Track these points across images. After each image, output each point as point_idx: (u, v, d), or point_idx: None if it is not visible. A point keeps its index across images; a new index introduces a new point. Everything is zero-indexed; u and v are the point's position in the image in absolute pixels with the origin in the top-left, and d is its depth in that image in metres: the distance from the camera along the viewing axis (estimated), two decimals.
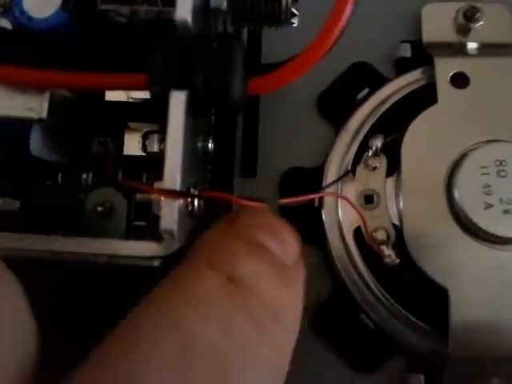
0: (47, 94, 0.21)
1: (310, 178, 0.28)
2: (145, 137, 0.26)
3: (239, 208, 0.26)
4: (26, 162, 0.25)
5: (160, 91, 0.21)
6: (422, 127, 0.25)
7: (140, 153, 0.25)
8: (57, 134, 0.23)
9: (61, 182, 0.26)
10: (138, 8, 0.22)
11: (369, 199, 0.26)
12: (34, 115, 0.21)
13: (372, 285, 0.25)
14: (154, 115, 0.25)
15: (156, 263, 0.19)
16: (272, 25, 0.24)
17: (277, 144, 0.29)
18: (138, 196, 0.26)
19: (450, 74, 0.26)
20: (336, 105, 0.29)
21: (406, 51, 0.29)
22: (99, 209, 0.25)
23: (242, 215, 0.20)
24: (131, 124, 0.26)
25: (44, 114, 0.21)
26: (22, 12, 0.23)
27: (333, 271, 0.26)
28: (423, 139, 0.25)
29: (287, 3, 0.23)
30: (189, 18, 0.20)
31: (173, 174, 0.19)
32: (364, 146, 0.27)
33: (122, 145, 0.25)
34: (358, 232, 0.26)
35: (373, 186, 0.26)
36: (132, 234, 0.26)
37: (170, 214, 0.19)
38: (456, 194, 0.24)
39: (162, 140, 0.25)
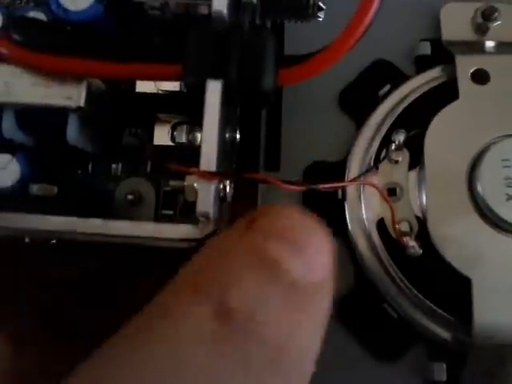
0: (85, 84, 0.22)
1: (333, 172, 0.28)
2: (174, 128, 0.26)
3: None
4: (60, 151, 0.25)
5: (194, 81, 0.21)
6: (444, 122, 0.26)
7: (169, 143, 0.26)
8: (91, 123, 0.24)
9: (91, 172, 0.27)
10: (173, 1, 0.23)
11: (392, 192, 0.26)
12: (71, 104, 0.22)
13: (395, 275, 0.26)
14: (182, 107, 0.26)
15: (193, 245, 0.20)
16: (299, 18, 0.25)
17: (300, 138, 0.29)
18: (166, 186, 0.27)
19: (471, 71, 0.27)
20: (358, 101, 0.29)
21: (426, 49, 0.29)
22: (129, 197, 0.26)
23: (262, 217, 0.15)
24: (161, 115, 0.26)
25: (82, 103, 0.22)
26: (59, 5, 0.23)
27: (356, 262, 0.27)
28: (445, 133, 0.26)
29: None
30: (224, 10, 0.20)
31: (209, 159, 0.19)
32: (386, 141, 0.27)
33: (152, 135, 0.26)
34: (380, 224, 0.26)
35: (396, 179, 0.26)
36: (161, 222, 0.27)
37: (206, 197, 0.19)
38: (478, 187, 0.24)
39: (191, 131, 0.26)
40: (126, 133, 0.27)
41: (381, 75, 0.29)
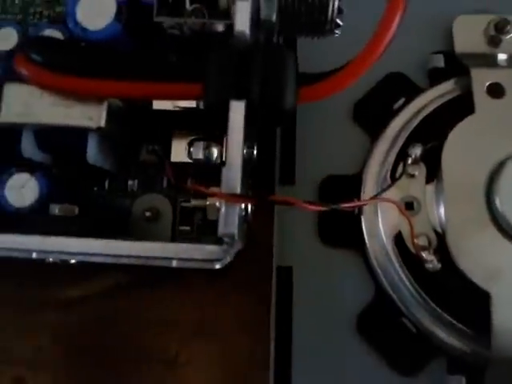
0: (105, 104, 0.22)
1: (348, 185, 0.28)
2: (190, 144, 0.26)
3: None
4: (77, 170, 0.25)
5: (216, 101, 0.21)
6: (461, 136, 0.26)
7: (187, 160, 0.26)
8: (110, 142, 0.24)
9: (108, 188, 0.27)
10: (189, 20, 0.23)
11: (409, 206, 0.26)
12: (92, 124, 0.22)
13: (413, 290, 0.26)
14: (199, 123, 0.26)
15: (218, 266, 0.20)
16: (316, 35, 0.25)
17: (314, 152, 0.30)
18: (183, 202, 0.27)
19: (487, 85, 0.27)
20: (372, 114, 0.29)
21: (440, 62, 0.30)
22: (147, 214, 0.26)
23: None
24: (177, 132, 0.26)
25: (102, 123, 0.22)
26: (76, 23, 0.23)
27: (374, 277, 0.27)
28: (463, 147, 0.26)
29: (333, 14, 0.24)
30: (247, 30, 0.21)
31: (234, 179, 0.20)
32: (402, 154, 0.27)
33: (170, 152, 0.26)
34: (397, 238, 0.26)
35: (413, 193, 0.26)
36: (178, 238, 0.27)
37: (231, 218, 0.19)
38: (497, 201, 0.25)
39: (207, 147, 0.26)
40: (143, 150, 0.27)
41: (395, 88, 0.29)
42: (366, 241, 0.27)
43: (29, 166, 0.24)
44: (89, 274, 0.27)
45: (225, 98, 0.21)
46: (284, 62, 0.21)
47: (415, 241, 0.25)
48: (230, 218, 0.19)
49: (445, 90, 0.29)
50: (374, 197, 0.25)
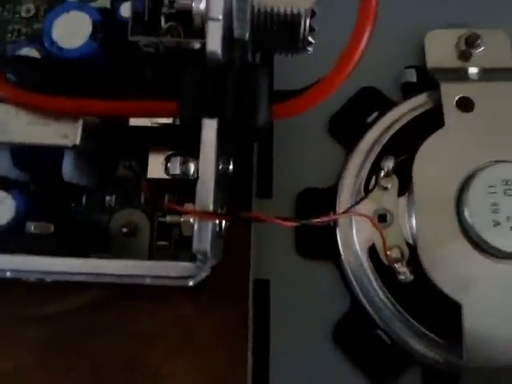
0: (80, 122, 0.22)
1: (324, 198, 0.29)
2: (167, 159, 0.27)
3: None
4: (53, 186, 0.26)
5: (190, 118, 0.22)
6: (431, 149, 0.27)
7: (163, 175, 0.26)
8: (86, 158, 0.24)
9: (85, 204, 0.27)
10: (164, 39, 0.23)
11: (382, 218, 0.27)
12: (68, 142, 0.22)
13: (387, 301, 0.26)
14: (175, 139, 0.26)
15: (191, 283, 0.20)
16: (288, 52, 0.26)
17: (291, 165, 0.30)
18: (160, 217, 0.27)
19: (456, 99, 0.28)
20: (347, 128, 0.30)
21: (412, 76, 0.30)
22: (124, 230, 0.26)
23: None
24: (154, 147, 0.27)
25: (78, 141, 0.22)
26: (52, 42, 0.24)
27: (348, 288, 0.27)
28: (433, 160, 0.26)
29: (305, 32, 0.24)
30: (219, 50, 0.21)
31: (206, 196, 0.20)
32: (375, 167, 0.28)
33: (146, 167, 0.26)
34: (371, 249, 0.27)
35: (386, 206, 0.27)
36: (155, 253, 0.27)
37: (204, 235, 0.20)
38: (466, 213, 0.25)
39: (184, 162, 0.26)
40: (120, 165, 0.27)
41: (368, 102, 0.30)
42: (341, 253, 0.27)
43: (4, 184, 0.24)
44: (65, 289, 0.27)
45: (199, 116, 0.21)
46: (257, 80, 0.22)
47: (388, 253, 0.26)
48: (202, 234, 0.20)
49: (417, 103, 0.29)
50: (347, 210, 0.25)
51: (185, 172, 0.26)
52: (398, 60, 0.32)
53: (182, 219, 0.22)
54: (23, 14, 0.28)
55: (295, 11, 0.24)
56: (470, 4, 0.32)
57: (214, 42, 0.21)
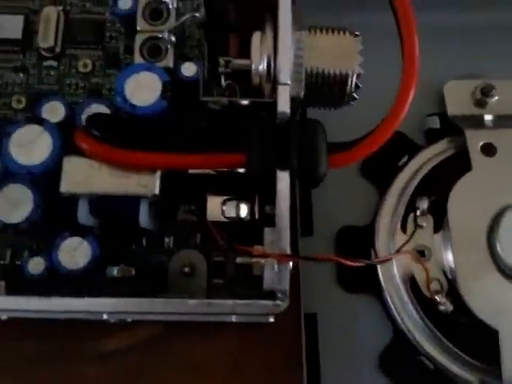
0: (158, 173, 0.25)
1: (362, 235, 0.31)
2: (224, 203, 0.29)
3: None
4: (122, 231, 0.28)
5: (259, 169, 0.24)
6: (462, 190, 0.29)
7: (221, 218, 0.29)
8: (157, 205, 0.26)
9: (145, 246, 0.29)
10: (235, 99, 0.25)
11: (421, 254, 0.30)
12: (147, 192, 0.24)
13: (427, 329, 0.29)
14: (232, 185, 0.29)
15: (271, 319, 0.22)
16: (334, 107, 0.29)
17: (329, 205, 0.33)
18: (216, 256, 0.29)
19: (480, 144, 0.31)
20: (379, 170, 0.33)
21: (435, 123, 0.33)
22: (186, 269, 0.28)
23: None
24: (211, 192, 0.29)
25: (157, 191, 0.24)
26: (125, 100, 0.26)
27: (390, 318, 0.30)
28: (465, 200, 0.29)
29: (351, 89, 0.27)
30: (288, 111, 0.24)
31: (284, 241, 0.22)
32: (409, 207, 0.31)
33: (205, 211, 0.29)
34: (410, 282, 0.30)
35: (423, 242, 0.30)
36: (212, 292, 0.29)
37: (283, 275, 0.22)
38: (497, 247, 0.28)
39: (239, 206, 0.28)
40: (180, 210, 0.29)
41: (398, 146, 0.33)
42: (383, 286, 0.30)
43: (81, 230, 0.26)
44: (122, 326, 0.29)
45: (268, 168, 0.24)
46: (317, 135, 0.24)
47: (430, 285, 0.28)
48: (282, 275, 0.22)
49: (441, 148, 0.32)
50: (400, 250, 0.28)
51: (239, 214, 0.29)
52: (420, 107, 0.35)
53: (253, 260, 0.24)
54: (80, 69, 0.31)
55: (343, 72, 0.26)
56: (484, 55, 0.35)
57: (284, 104, 0.23)
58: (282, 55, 0.23)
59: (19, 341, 0.29)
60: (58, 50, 0.31)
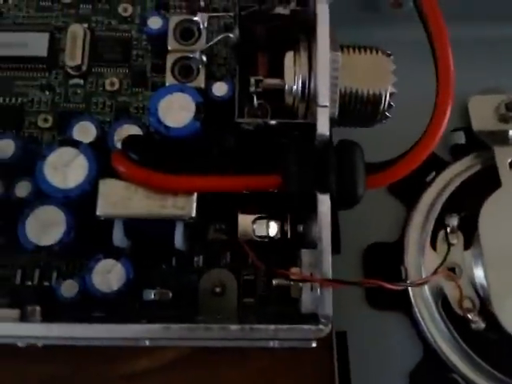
0: (195, 195, 0.24)
1: (390, 252, 0.31)
2: (254, 222, 0.29)
3: None
4: (153, 252, 0.27)
5: (297, 191, 0.24)
6: (493, 207, 0.29)
7: (252, 237, 0.28)
8: (189, 225, 0.26)
9: (175, 265, 0.29)
10: (271, 121, 0.25)
11: (451, 271, 0.29)
12: (184, 214, 0.24)
13: (459, 347, 0.29)
14: (262, 204, 0.29)
15: (314, 344, 0.22)
16: (366, 126, 0.29)
17: (356, 222, 0.32)
18: (246, 275, 0.29)
19: (509, 161, 0.31)
20: (406, 186, 0.33)
21: (461, 138, 0.33)
22: (217, 289, 0.28)
23: None
24: (242, 211, 0.29)
25: (193, 213, 0.24)
26: (160, 122, 0.26)
27: (421, 336, 0.30)
28: (496, 217, 0.29)
29: (384, 109, 0.27)
30: (327, 133, 0.23)
31: (327, 265, 0.22)
32: (438, 223, 0.31)
33: (236, 230, 0.28)
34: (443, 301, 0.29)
35: (453, 260, 0.30)
36: (242, 311, 0.29)
37: (327, 300, 0.22)
38: None
39: (269, 225, 0.28)
40: (211, 229, 0.29)
41: (425, 163, 0.33)
42: (413, 303, 0.30)
43: (114, 252, 0.26)
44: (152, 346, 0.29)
45: (305, 190, 0.24)
46: (355, 156, 0.24)
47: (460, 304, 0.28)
48: (325, 300, 0.22)
49: (468, 164, 0.32)
50: (436, 272, 0.28)
51: (269, 233, 0.28)
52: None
53: (291, 283, 0.24)
54: (107, 88, 0.31)
55: (377, 92, 0.26)
56: (508, 70, 0.35)
57: (324, 126, 0.23)
58: (321, 77, 0.23)
59: (36, 364, 0.28)
60: (84, 68, 0.30)
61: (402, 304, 0.30)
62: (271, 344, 0.22)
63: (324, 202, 0.23)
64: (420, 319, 0.29)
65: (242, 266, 0.29)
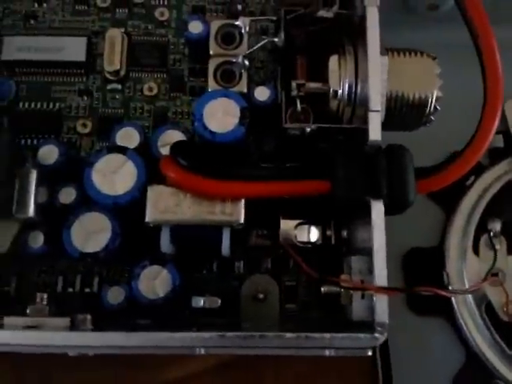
0: (243, 201, 0.24)
1: (430, 257, 0.31)
2: (296, 227, 0.29)
3: None
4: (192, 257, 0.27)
5: (344, 197, 0.24)
6: None
7: (295, 243, 0.28)
8: (234, 232, 0.26)
9: (216, 271, 0.29)
10: (317, 126, 0.25)
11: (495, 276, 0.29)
12: (233, 220, 0.24)
13: (503, 353, 0.28)
14: (303, 208, 0.28)
15: (369, 353, 0.22)
16: (409, 129, 0.28)
17: (394, 227, 0.32)
18: (287, 281, 0.29)
19: None
20: (445, 191, 0.32)
21: (499, 141, 0.33)
22: (261, 296, 0.28)
23: None
24: (284, 216, 0.28)
25: (242, 219, 0.24)
26: (205, 128, 0.26)
27: (464, 341, 0.29)
28: None
29: (430, 112, 0.27)
30: (380, 139, 0.23)
31: (382, 272, 0.22)
32: (479, 227, 0.30)
33: (277, 235, 0.28)
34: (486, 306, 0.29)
35: (497, 265, 0.29)
36: (283, 317, 0.28)
37: (382, 308, 0.21)
38: None
39: (311, 230, 0.28)
40: (253, 234, 0.29)
41: None
42: (456, 308, 0.30)
43: (160, 259, 0.26)
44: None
45: (355, 196, 0.23)
46: (405, 161, 0.24)
47: (505, 309, 0.28)
48: (381, 308, 0.21)
49: (507, 167, 0.32)
50: (485, 279, 0.27)
51: (311, 239, 0.28)
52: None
53: (342, 290, 0.24)
54: (146, 93, 0.30)
55: (423, 95, 0.26)
56: None
57: (376, 132, 0.23)
58: (373, 81, 0.23)
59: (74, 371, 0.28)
60: (122, 73, 0.30)
61: (443, 309, 0.30)
62: (327, 353, 0.22)
63: (377, 209, 0.22)
64: (463, 324, 0.29)
65: (283, 271, 0.29)
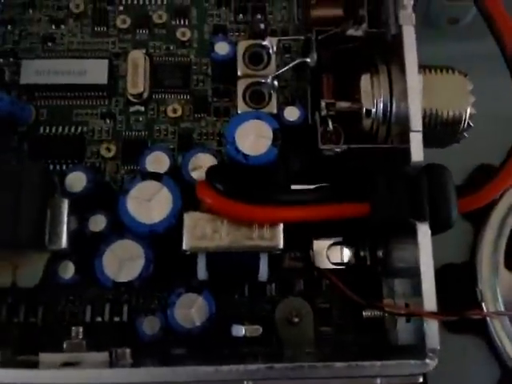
0: (281, 225, 0.24)
1: (461, 273, 0.31)
2: (329, 248, 0.28)
3: None
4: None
5: (381, 220, 0.23)
6: None
7: (328, 265, 0.28)
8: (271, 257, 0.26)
9: (248, 295, 0.28)
10: (353, 146, 0.25)
11: None
12: (272, 245, 0.24)
13: None
14: (336, 228, 0.28)
15: (420, 379, 0.21)
16: (442, 146, 0.28)
17: None
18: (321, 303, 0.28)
19: None
20: None
21: None
22: (295, 319, 0.27)
23: None
24: (317, 238, 0.28)
25: (281, 245, 0.24)
26: (238, 151, 0.25)
27: (499, 357, 0.29)
28: None
29: (463, 129, 0.27)
30: (421, 159, 0.23)
31: (431, 297, 0.21)
32: (510, 241, 0.30)
33: (309, 257, 0.28)
34: None
35: None
36: (319, 340, 0.28)
37: (433, 334, 0.21)
38: None
39: (343, 251, 0.28)
40: (286, 257, 0.28)
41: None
42: (490, 324, 0.29)
43: (195, 286, 0.25)
44: None
45: (400, 217, 0.23)
46: (446, 181, 0.23)
47: None
48: (432, 334, 0.21)
49: None
50: None
51: (343, 260, 0.28)
52: (504, 135, 0.34)
53: (386, 315, 0.23)
54: (170, 114, 0.30)
55: (457, 113, 0.26)
56: None
57: (418, 152, 0.22)
58: (413, 101, 0.23)
59: None
60: (146, 95, 0.30)
61: (477, 325, 0.30)
62: (378, 382, 0.21)
63: (423, 231, 0.22)
64: (497, 340, 0.29)
65: (315, 293, 0.28)
